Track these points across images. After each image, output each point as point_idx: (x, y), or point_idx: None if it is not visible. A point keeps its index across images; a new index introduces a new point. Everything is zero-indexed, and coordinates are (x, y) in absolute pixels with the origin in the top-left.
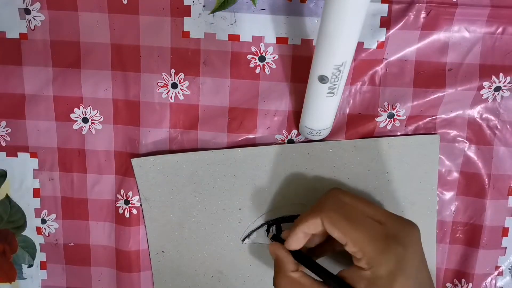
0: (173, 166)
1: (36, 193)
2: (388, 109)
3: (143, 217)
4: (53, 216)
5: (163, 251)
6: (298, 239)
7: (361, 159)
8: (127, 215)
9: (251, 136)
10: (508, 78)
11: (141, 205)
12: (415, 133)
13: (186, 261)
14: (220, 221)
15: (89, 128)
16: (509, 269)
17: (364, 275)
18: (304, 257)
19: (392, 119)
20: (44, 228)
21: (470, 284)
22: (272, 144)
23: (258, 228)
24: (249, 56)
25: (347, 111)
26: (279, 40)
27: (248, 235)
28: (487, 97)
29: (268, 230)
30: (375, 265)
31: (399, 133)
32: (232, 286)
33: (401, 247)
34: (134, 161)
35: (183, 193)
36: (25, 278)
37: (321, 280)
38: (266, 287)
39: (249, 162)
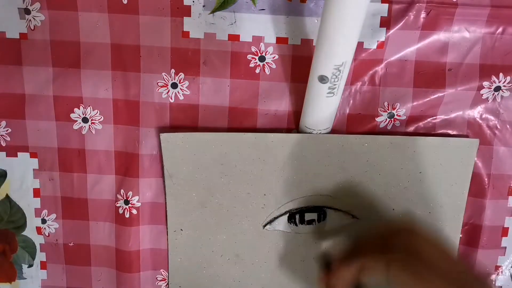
0: (202, 145)
1: (36, 193)
2: (388, 109)
3: (165, 194)
4: (53, 216)
5: (181, 229)
6: (346, 284)
7: (396, 156)
8: (127, 215)
9: None
10: (508, 78)
11: (164, 181)
12: (415, 132)
13: (204, 241)
14: (243, 205)
15: (89, 128)
16: (509, 269)
17: None
18: None
19: (392, 119)
20: (44, 228)
21: None
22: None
23: (281, 215)
24: (249, 56)
25: (347, 111)
26: (279, 40)
27: (270, 222)
28: (487, 97)
29: (290, 219)
30: None
31: (399, 133)
32: (248, 270)
33: None
34: (163, 136)
35: (209, 173)
36: (25, 278)
37: None
38: (282, 274)
39: (281, 148)
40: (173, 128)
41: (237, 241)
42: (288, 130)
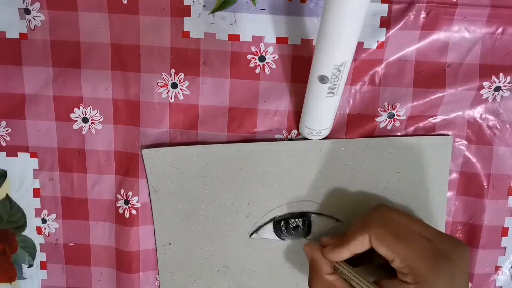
0: (183, 158)
1: (36, 193)
2: (388, 109)
3: (151, 209)
4: (53, 216)
5: (169, 243)
6: (341, 255)
7: (373, 158)
8: (127, 215)
9: (251, 136)
10: (508, 78)
11: (149, 196)
12: (415, 133)
13: (193, 254)
14: (228, 215)
15: (89, 128)
16: (509, 269)
17: None
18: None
19: (392, 119)
20: (44, 228)
21: (470, 284)
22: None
23: (266, 223)
24: (249, 56)
25: (347, 111)
26: (279, 40)
27: (256, 230)
28: (487, 97)
29: (275, 227)
30: (422, 281)
31: (398, 133)
32: (238, 280)
33: (451, 265)
34: (145, 151)
35: (193, 186)
36: (25, 278)
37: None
38: (271, 282)
39: (260, 157)
40: (173, 128)
41: (225, 252)
42: (288, 131)
